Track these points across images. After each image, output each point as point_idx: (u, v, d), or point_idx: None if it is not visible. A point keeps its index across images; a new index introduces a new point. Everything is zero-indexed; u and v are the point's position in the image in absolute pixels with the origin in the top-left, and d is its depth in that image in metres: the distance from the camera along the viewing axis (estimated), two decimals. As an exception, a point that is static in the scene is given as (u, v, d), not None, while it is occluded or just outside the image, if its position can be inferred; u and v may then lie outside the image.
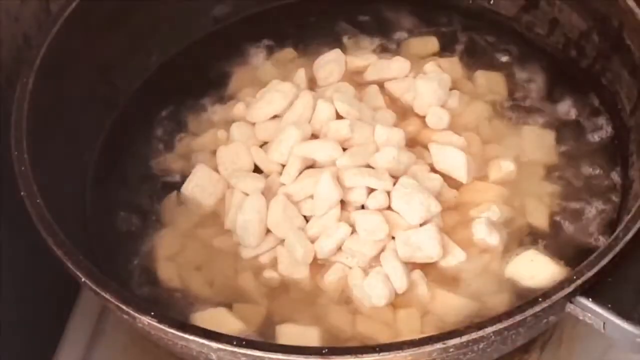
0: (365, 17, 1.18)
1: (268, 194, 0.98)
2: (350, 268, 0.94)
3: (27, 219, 0.90)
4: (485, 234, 0.95)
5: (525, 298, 0.86)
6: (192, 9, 1.17)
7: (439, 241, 0.93)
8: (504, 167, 1.01)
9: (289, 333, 0.90)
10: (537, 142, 1.04)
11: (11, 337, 1.05)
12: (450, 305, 0.91)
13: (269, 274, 0.95)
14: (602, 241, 0.96)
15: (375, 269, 0.93)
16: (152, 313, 0.82)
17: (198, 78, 1.13)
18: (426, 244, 0.93)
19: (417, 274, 0.93)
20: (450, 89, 1.07)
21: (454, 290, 0.93)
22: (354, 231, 0.94)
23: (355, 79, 1.11)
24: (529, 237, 0.97)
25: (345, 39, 1.16)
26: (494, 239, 0.95)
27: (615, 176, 1.02)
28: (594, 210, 0.99)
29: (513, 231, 0.97)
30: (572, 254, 0.95)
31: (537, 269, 0.92)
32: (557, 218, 0.99)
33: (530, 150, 1.04)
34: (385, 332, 0.90)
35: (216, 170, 1.02)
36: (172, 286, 0.96)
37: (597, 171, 1.02)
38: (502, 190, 1.00)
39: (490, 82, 1.10)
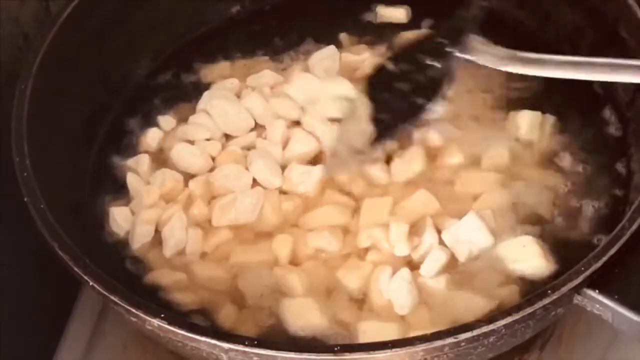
0: (362, 14, 1.18)
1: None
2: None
3: (27, 220, 0.90)
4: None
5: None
6: (191, 9, 1.18)
7: (486, 228, 0.93)
8: (500, 154, 1.01)
9: (370, 330, 0.90)
10: (535, 126, 1.04)
11: (11, 337, 1.05)
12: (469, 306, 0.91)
13: None
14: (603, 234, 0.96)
15: (399, 272, 0.92)
16: (162, 315, 0.82)
17: (196, 80, 1.14)
18: (476, 235, 0.93)
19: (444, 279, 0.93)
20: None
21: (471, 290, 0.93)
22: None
23: (351, 75, 1.11)
24: (533, 224, 0.97)
25: (341, 36, 1.16)
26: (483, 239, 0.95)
27: (620, 167, 1.02)
28: (595, 201, 0.99)
29: (519, 217, 0.97)
30: (571, 245, 0.95)
31: (524, 256, 0.93)
32: (559, 208, 0.99)
33: (527, 134, 1.04)
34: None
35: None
36: (173, 286, 0.96)
37: (598, 164, 1.02)
38: (499, 177, 1.00)
39: (487, 75, 1.09)
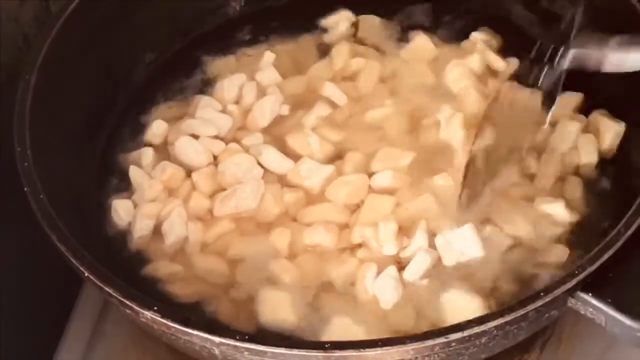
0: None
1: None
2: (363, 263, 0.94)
3: (27, 219, 0.90)
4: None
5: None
6: (192, 7, 1.18)
7: (480, 243, 0.93)
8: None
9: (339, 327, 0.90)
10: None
11: (11, 337, 1.06)
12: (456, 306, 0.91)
13: None
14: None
15: (386, 270, 0.93)
16: (155, 308, 0.82)
17: (200, 76, 1.14)
18: (468, 247, 0.93)
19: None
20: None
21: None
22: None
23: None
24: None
25: None
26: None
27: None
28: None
29: None
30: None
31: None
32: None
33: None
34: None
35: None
36: (171, 278, 0.96)
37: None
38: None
39: None
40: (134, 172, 1.04)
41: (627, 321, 0.80)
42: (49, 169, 0.94)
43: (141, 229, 0.99)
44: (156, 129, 1.07)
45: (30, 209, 0.90)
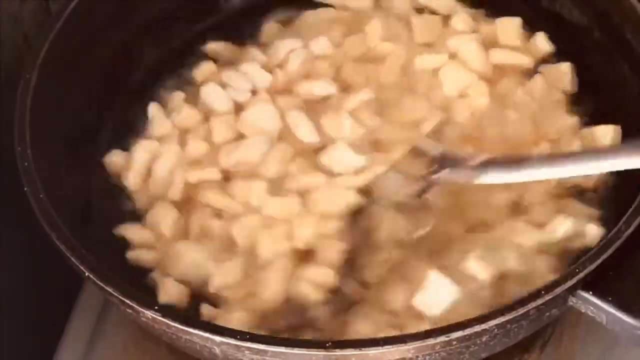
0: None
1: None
2: None
3: (28, 219, 0.90)
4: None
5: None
6: (193, 5, 1.18)
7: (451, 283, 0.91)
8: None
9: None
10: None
11: (11, 337, 1.06)
12: None
13: None
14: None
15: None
16: (156, 307, 0.82)
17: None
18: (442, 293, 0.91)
19: None
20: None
21: None
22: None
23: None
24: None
25: None
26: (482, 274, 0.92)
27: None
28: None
29: None
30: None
31: None
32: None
33: None
34: None
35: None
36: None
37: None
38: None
39: None
40: (154, 110, 1.04)
41: (628, 319, 0.81)
42: (49, 168, 0.94)
43: (139, 164, 1.01)
44: (202, 71, 1.08)
45: (30, 209, 0.90)
